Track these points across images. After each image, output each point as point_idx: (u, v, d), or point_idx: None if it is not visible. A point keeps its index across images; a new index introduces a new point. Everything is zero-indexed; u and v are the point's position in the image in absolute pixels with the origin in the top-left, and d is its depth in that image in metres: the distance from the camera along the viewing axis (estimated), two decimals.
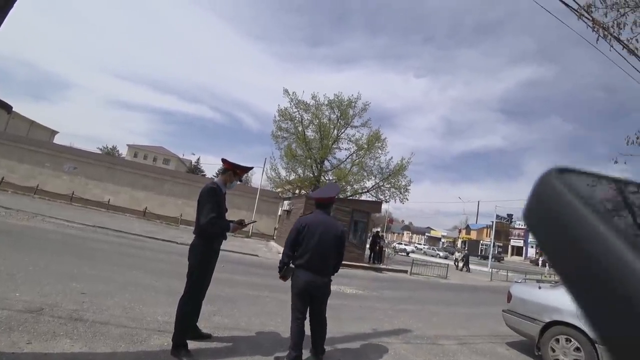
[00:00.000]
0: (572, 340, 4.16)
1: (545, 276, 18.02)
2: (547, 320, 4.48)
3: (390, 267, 16.54)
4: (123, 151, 63.75)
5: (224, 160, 3.51)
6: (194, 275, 3.23)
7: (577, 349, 4.08)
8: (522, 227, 61.23)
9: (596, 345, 3.91)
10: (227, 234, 3.47)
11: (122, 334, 3.32)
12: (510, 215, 29.06)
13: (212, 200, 3.22)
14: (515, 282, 6.08)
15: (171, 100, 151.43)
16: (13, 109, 30.25)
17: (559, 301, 4.44)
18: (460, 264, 21.59)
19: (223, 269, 8.50)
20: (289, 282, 3.47)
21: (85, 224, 12.41)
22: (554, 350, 4.32)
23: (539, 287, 5.24)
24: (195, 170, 65.48)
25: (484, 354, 4.83)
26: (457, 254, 27.16)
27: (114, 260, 7.03)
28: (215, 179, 3.57)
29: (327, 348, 3.72)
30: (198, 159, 69.53)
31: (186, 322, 3.17)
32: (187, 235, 14.99)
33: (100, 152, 56.80)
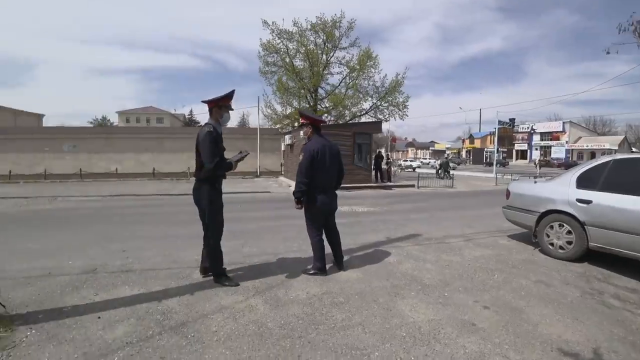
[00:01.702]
0: (565, 225, 4.61)
1: (538, 176, 18.36)
2: (543, 210, 4.89)
3: (398, 184, 17.17)
4: (114, 119, 62.65)
5: (204, 102, 3.47)
6: (208, 216, 3.44)
7: (569, 232, 4.56)
8: (526, 130, 60.93)
9: (585, 227, 4.36)
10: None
11: (168, 274, 3.84)
12: (512, 120, 28.47)
13: (211, 143, 3.26)
14: (513, 180, 6.43)
15: (147, 55, 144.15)
16: None
17: (554, 192, 4.84)
18: (442, 173, 21.79)
19: (241, 209, 9.15)
20: (297, 211, 3.90)
21: (102, 195, 12.96)
22: (548, 236, 4.81)
23: (535, 182, 5.58)
24: (190, 122, 64.87)
25: (486, 246, 5.36)
26: (436, 163, 27.55)
27: (139, 220, 7.57)
28: (208, 121, 3.46)
29: (345, 257, 4.29)
30: (190, 110, 68.23)
31: (217, 254, 3.55)
32: None
33: (92, 125, 56.08)
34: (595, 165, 4.56)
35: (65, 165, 22.73)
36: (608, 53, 6.07)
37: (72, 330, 2.61)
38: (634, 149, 48.93)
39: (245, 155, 3.72)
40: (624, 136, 56.63)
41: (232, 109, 3.57)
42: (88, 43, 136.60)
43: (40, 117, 42.24)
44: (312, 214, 3.83)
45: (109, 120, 63.84)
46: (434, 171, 22.50)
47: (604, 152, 48.18)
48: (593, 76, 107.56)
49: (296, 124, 23.38)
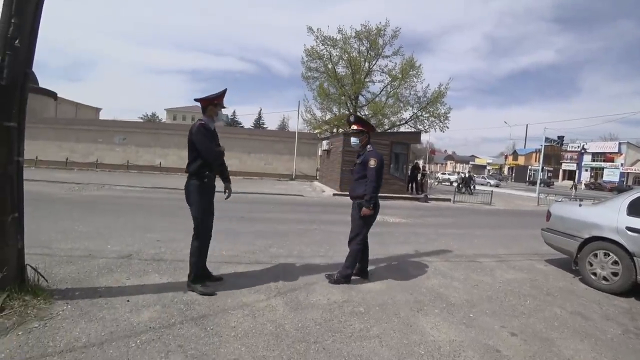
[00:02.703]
0: (611, 254, 4.22)
1: (575, 197, 17.02)
2: (587, 236, 4.53)
3: (433, 197, 16.67)
4: (162, 115, 66.33)
5: (197, 100, 3.45)
6: (196, 210, 3.35)
7: (615, 262, 4.16)
8: (575, 149, 56.62)
9: (635, 258, 3.96)
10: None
11: None
12: (561, 138, 26.62)
13: (209, 136, 3.33)
14: (555, 201, 6.01)
15: (197, 57, 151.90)
16: (57, 95, 32.26)
17: (601, 218, 4.47)
18: (463, 187, 20.69)
19: (273, 210, 9.31)
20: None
21: (144, 186, 13.72)
22: (591, 265, 4.42)
23: (580, 205, 5.19)
24: (233, 123, 67.26)
25: (521, 269, 5.05)
26: (458, 177, 26.48)
27: (175, 213, 7.90)
28: (202, 118, 3.46)
29: (370, 267, 4.23)
30: (233, 111, 70.77)
31: (202, 255, 3.42)
32: (236, 184, 16.05)
33: (142, 120, 59.72)
34: None
35: (115, 156, 24.30)
36: None
37: (103, 309, 2.79)
38: None
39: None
40: None
41: (225, 107, 3.64)
42: (145, 44, 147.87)
43: (97, 110, 45.52)
44: (371, 220, 3.87)
45: (157, 116, 67.67)
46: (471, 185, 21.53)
47: None
48: None
49: (335, 130, 23.46)
